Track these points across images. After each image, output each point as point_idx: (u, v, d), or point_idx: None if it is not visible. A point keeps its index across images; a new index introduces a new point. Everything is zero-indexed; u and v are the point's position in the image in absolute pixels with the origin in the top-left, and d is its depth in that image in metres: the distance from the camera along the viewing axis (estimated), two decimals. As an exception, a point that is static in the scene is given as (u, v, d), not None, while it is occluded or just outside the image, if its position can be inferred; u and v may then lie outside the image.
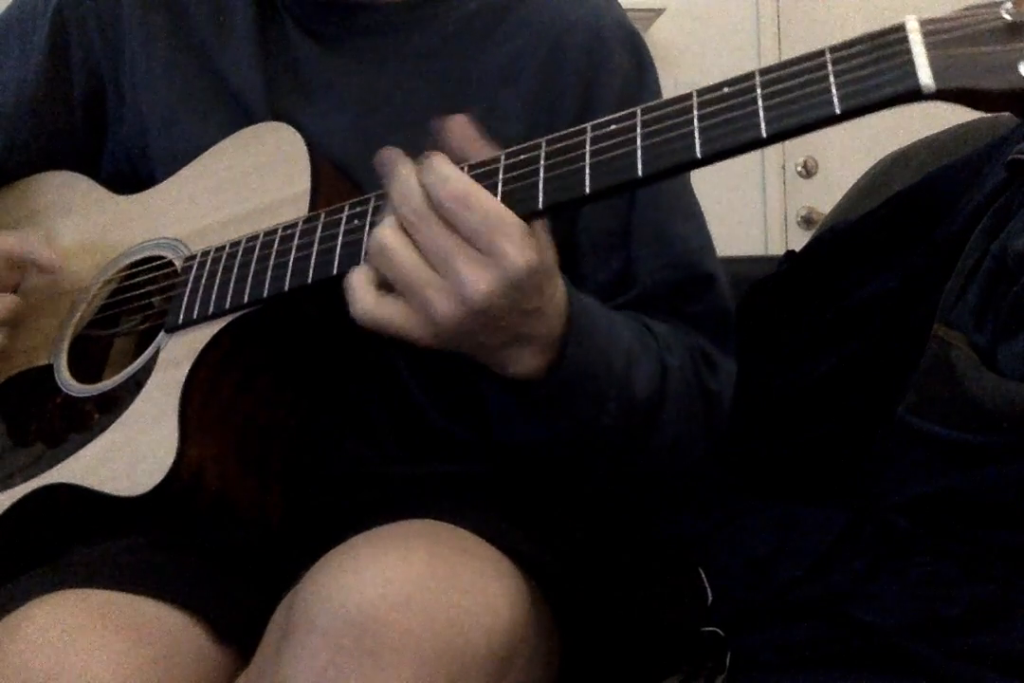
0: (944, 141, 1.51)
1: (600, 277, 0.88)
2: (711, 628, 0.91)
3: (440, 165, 0.66)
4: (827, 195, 2.46)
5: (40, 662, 0.70)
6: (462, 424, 0.90)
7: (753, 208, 2.68)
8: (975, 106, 0.58)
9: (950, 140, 1.49)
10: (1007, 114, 0.60)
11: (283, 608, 0.73)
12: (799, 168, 2.69)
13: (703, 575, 0.95)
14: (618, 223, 0.88)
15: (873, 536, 0.91)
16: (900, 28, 0.58)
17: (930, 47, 0.57)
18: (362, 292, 0.68)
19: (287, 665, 0.66)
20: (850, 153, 2.54)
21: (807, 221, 2.66)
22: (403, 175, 0.67)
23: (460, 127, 0.69)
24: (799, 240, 2.23)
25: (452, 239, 0.64)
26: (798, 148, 2.68)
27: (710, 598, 0.94)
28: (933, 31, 0.57)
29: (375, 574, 0.68)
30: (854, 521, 0.94)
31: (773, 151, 2.67)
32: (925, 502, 0.89)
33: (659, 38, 2.58)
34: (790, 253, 1.25)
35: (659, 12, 2.51)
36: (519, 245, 0.64)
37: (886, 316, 1.03)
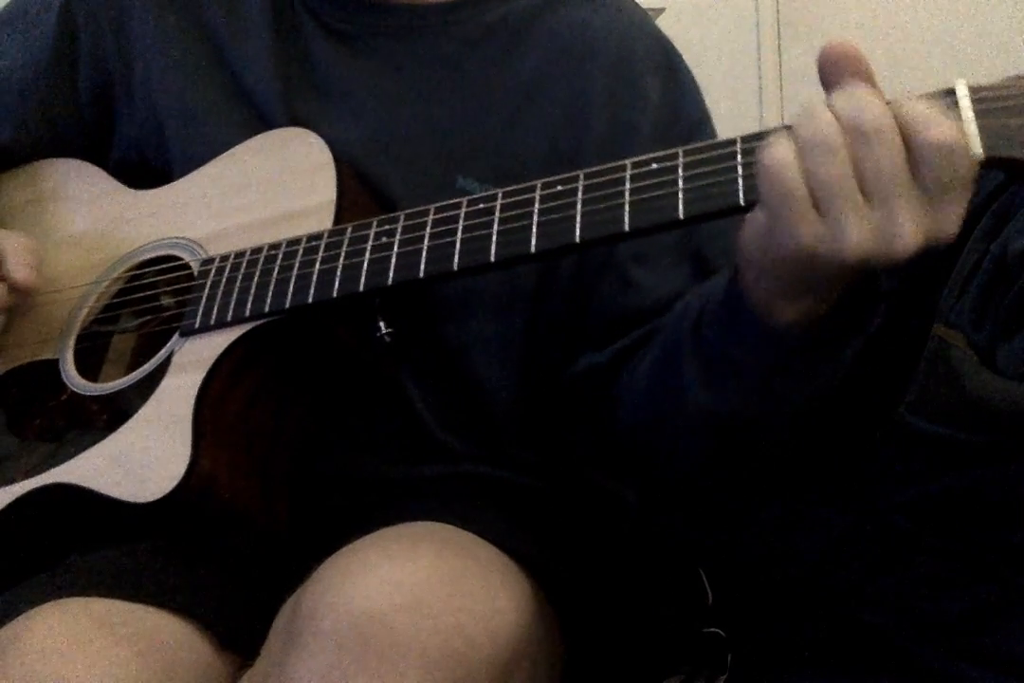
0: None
1: None
2: (712, 629, 0.91)
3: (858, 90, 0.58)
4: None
5: (42, 672, 0.70)
6: (463, 439, 0.90)
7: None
8: (1017, 175, 0.57)
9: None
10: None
11: (287, 610, 0.73)
12: (799, 168, 2.68)
13: (703, 576, 0.95)
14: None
15: (873, 536, 0.91)
16: (951, 92, 0.58)
17: (980, 114, 0.56)
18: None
19: (292, 667, 0.66)
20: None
21: (807, 221, 2.65)
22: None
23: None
24: (799, 240, 2.22)
25: (897, 165, 0.56)
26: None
27: (711, 599, 0.93)
28: (983, 98, 0.57)
29: (381, 577, 0.68)
30: (855, 521, 0.94)
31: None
32: (925, 502, 0.89)
33: (659, 38, 2.58)
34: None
35: (659, 12, 2.51)
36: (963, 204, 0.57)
37: (886, 316, 1.03)
